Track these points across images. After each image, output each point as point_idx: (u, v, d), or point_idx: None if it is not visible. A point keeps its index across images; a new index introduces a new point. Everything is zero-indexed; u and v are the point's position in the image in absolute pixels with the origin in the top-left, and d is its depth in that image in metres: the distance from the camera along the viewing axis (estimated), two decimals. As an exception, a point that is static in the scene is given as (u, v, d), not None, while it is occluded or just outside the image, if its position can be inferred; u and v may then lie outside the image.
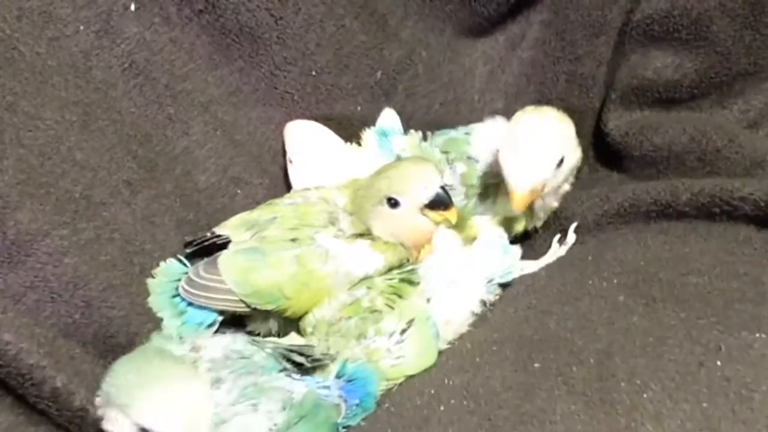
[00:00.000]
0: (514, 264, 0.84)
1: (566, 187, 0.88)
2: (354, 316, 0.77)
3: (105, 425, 0.66)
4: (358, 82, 0.93)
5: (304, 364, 0.73)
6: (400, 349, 0.76)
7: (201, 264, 0.80)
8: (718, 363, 0.63)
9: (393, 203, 0.80)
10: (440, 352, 0.78)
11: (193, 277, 0.79)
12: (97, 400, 0.67)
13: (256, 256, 0.78)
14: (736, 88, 0.98)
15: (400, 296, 0.78)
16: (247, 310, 0.79)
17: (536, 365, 0.68)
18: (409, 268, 0.81)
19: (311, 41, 0.88)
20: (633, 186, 0.89)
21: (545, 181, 0.78)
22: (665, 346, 0.66)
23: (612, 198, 0.88)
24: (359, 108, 0.95)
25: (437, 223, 0.81)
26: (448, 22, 0.98)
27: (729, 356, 0.63)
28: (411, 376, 0.76)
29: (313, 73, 0.90)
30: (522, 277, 0.84)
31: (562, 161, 0.79)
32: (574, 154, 0.83)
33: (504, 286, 0.84)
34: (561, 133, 0.79)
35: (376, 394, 0.75)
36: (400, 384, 0.76)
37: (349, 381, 0.74)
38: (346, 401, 0.72)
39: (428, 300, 0.79)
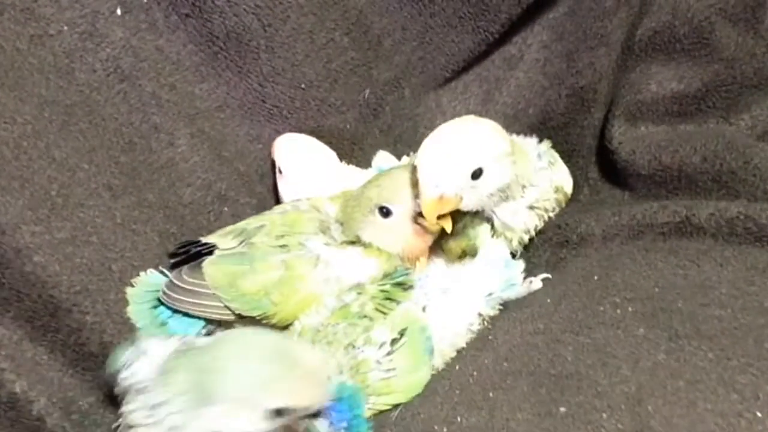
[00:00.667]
0: (516, 277, 0.79)
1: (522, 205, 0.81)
2: (342, 322, 0.72)
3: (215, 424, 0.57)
4: (347, 99, 0.92)
5: None
6: (390, 362, 0.70)
7: (184, 268, 0.76)
8: (758, 414, 0.58)
9: (385, 212, 0.76)
10: (444, 378, 0.72)
11: (176, 281, 0.75)
12: (180, 403, 0.57)
13: (242, 261, 0.75)
14: (742, 102, 0.96)
15: (392, 300, 0.73)
16: (231, 317, 0.75)
17: (561, 409, 0.63)
18: (403, 271, 0.76)
19: (300, 52, 0.87)
20: (651, 202, 0.86)
21: (458, 190, 0.73)
22: (699, 392, 0.61)
23: (624, 211, 0.85)
24: (348, 126, 0.93)
25: (431, 232, 0.77)
26: (446, 48, 0.96)
27: (768, 405, 0.59)
28: (411, 404, 0.70)
29: (302, 86, 0.88)
30: (521, 298, 0.80)
31: (479, 172, 0.73)
32: (502, 169, 0.75)
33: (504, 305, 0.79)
34: (479, 144, 0.74)
35: (365, 416, 0.69)
36: (400, 410, 0.70)
37: (336, 399, 0.67)
38: (332, 423, 0.66)
39: (423, 308, 0.74)
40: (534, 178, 0.81)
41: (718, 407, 0.59)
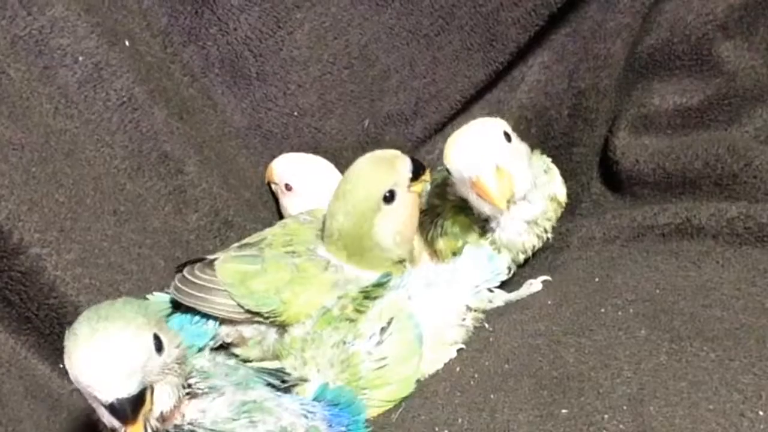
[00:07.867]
0: (500, 269, 0.80)
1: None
2: (327, 327, 0.73)
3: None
4: (344, 128, 0.94)
5: (287, 381, 0.69)
6: (380, 352, 0.71)
7: (197, 264, 0.77)
8: (761, 413, 0.58)
9: (389, 197, 0.76)
10: (444, 380, 0.72)
11: (188, 276, 0.75)
12: None
13: (254, 261, 0.76)
14: (744, 115, 0.96)
15: (372, 299, 0.74)
16: (240, 315, 0.75)
17: (563, 411, 0.63)
18: (386, 274, 0.76)
19: (293, 81, 0.89)
20: (652, 205, 0.86)
21: (503, 158, 0.74)
22: (701, 393, 0.61)
23: (624, 213, 0.85)
24: (345, 153, 0.95)
25: (420, 193, 0.79)
26: (458, 81, 0.97)
27: (771, 405, 0.59)
28: (412, 405, 0.70)
29: (295, 114, 0.91)
30: (522, 300, 0.80)
31: (508, 136, 0.77)
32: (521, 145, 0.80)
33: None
34: (497, 121, 0.79)
35: (363, 422, 0.69)
36: (401, 412, 0.70)
37: (333, 405, 0.68)
38: (330, 425, 0.67)
39: (409, 297, 0.75)
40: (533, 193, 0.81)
41: (720, 407, 0.59)
